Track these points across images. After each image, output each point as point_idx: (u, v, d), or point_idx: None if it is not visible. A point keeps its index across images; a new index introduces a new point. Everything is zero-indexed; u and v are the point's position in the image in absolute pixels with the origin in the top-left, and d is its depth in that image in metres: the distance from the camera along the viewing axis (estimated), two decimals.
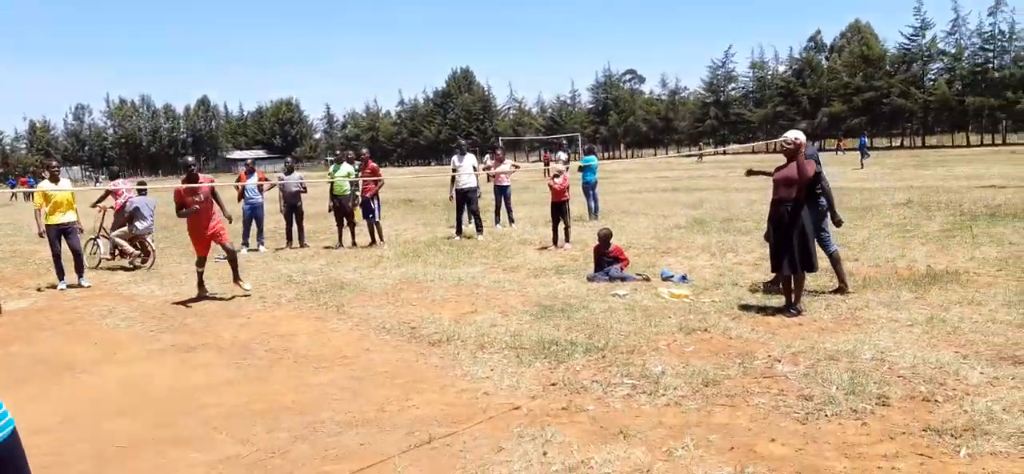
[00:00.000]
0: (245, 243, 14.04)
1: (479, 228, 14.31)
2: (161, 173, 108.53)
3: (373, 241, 13.96)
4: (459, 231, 14.44)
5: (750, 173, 8.99)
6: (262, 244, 14.24)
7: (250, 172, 14.42)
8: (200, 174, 9.95)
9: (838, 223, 8.08)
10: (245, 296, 9.41)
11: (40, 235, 10.83)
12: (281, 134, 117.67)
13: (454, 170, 14.43)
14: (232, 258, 9.64)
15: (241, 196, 14.35)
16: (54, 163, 11.23)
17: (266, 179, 14.86)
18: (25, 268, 13.47)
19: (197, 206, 9.28)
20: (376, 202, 14.02)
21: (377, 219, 13.97)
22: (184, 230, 17.54)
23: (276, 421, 4.96)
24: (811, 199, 7.49)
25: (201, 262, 9.60)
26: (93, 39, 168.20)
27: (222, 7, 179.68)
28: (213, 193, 9.76)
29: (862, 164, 33.15)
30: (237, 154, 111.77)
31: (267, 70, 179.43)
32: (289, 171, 14.86)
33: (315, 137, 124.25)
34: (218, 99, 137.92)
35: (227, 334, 7.51)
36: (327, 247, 14.01)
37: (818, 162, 7.72)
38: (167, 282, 10.89)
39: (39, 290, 10.82)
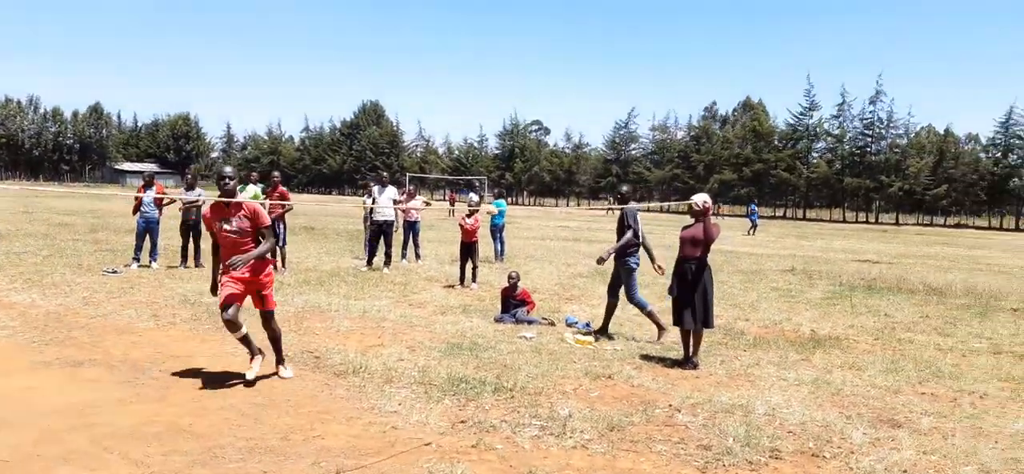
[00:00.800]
0: (136, 258, 13.42)
1: (388, 262, 14.24)
2: (42, 178, 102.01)
3: (273, 267, 13.60)
4: (370, 262, 14.34)
5: (601, 261, 8.90)
6: (155, 260, 13.62)
7: (148, 185, 13.83)
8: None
9: (659, 271, 8.75)
10: (136, 312, 8.98)
11: None
12: (176, 149, 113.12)
13: (373, 201, 14.41)
14: (274, 338, 6.64)
15: (137, 209, 13.72)
16: None
17: (165, 193, 14.27)
18: None
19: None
20: (282, 227, 13.72)
21: (282, 245, 13.65)
22: (68, 238, 16.58)
23: (173, 444, 4.76)
24: (623, 254, 8.49)
25: (225, 308, 6.18)
26: None
27: (123, 12, 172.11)
28: (257, 221, 6.28)
29: (752, 232, 34.61)
30: (127, 166, 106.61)
31: (166, 83, 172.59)
32: (190, 186, 14.33)
33: (212, 155, 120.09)
34: (112, 107, 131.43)
35: (117, 351, 7.14)
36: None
37: (635, 220, 8.49)
38: (50, 292, 10.25)
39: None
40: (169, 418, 5.26)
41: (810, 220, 71.07)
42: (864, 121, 74.66)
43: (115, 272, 12.50)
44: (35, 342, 7.37)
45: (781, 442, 5.18)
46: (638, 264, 8.70)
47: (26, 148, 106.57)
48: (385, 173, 15.43)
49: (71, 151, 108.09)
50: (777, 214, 79.58)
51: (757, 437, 5.23)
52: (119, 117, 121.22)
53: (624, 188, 9.19)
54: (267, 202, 13.66)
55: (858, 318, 10.84)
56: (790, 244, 29.30)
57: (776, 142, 79.45)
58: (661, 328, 8.52)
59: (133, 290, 10.75)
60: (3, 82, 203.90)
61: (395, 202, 14.86)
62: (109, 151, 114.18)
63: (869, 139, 74.77)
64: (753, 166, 77.05)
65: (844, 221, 71.17)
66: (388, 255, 14.36)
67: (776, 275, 16.42)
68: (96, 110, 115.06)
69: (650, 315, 8.64)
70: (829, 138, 77.03)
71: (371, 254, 14.48)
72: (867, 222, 70.41)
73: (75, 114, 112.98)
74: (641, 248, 8.71)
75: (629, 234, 8.47)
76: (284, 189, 14.11)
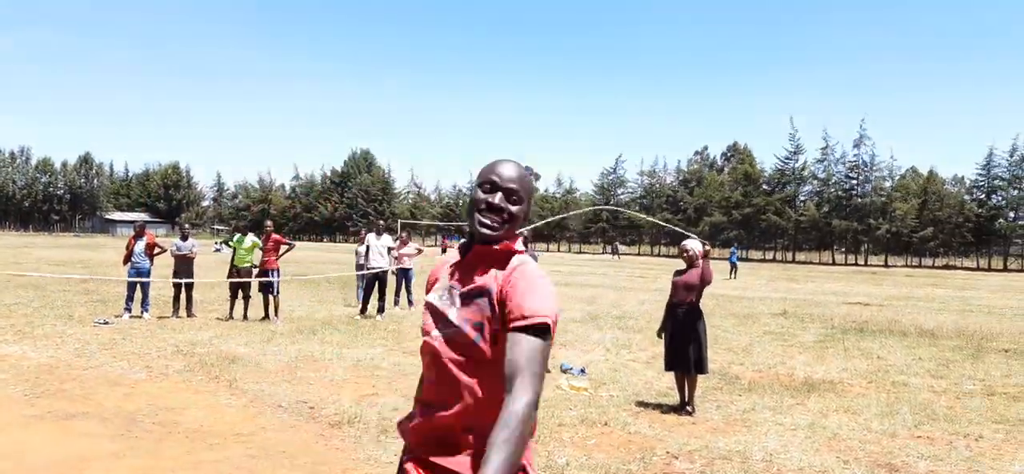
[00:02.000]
0: (128, 309, 13.35)
1: (382, 309, 14.28)
2: (32, 228, 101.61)
3: (266, 316, 13.60)
4: (364, 310, 14.38)
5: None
6: (146, 311, 13.55)
7: (139, 235, 13.82)
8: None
9: None
10: (128, 363, 8.92)
11: None
12: (166, 198, 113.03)
13: (367, 249, 14.52)
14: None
15: (127, 259, 13.70)
16: None
17: (156, 244, 14.25)
18: None
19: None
20: (276, 275, 13.74)
21: (275, 293, 13.64)
22: (59, 289, 16.64)
23: None
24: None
25: None
26: None
27: (112, 64, 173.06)
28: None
29: (733, 275, 34.16)
30: (118, 215, 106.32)
31: (156, 132, 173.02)
32: (184, 237, 14.35)
33: (203, 204, 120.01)
34: (102, 157, 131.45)
35: (110, 403, 7.08)
36: (218, 319, 13.49)
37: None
38: (41, 343, 10.18)
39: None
40: (164, 471, 5.21)
41: (800, 263, 71.38)
42: (848, 164, 75.53)
43: (107, 322, 12.42)
44: (27, 395, 7.30)
45: None
46: None
47: (17, 199, 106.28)
48: (381, 221, 15.53)
49: (61, 201, 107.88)
50: (767, 257, 79.92)
51: None
52: (110, 167, 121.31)
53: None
54: (289, 242, 14.03)
55: (851, 361, 10.87)
56: (781, 287, 29.40)
57: (764, 186, 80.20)
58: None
59: (125, 341, 10.68)
60: None
61: (389, 250, 14.96)
62: (99, 201, 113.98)
63: (854, 182, 75.56)
64: (743, 209, 77.64)
65: (833, 263, 71.50)
66: (381, 304, 14.37)
67: (768, 318, 16.46)
68: (86, 160, 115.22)
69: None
70: (815, 181, 77.80)
71: (366, 302, 14.50)
72: (856, 264, 70.76)
73: (65, 164, 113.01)
74: None
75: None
76: (277, 236, 14.14)
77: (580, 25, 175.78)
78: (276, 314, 13.50)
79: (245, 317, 13.48)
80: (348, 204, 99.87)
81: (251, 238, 14.22)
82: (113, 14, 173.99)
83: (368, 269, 14.51)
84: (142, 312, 13.48)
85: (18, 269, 25.25)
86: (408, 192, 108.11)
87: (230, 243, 14.46)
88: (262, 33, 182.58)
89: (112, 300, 15.60)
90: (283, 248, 14.17)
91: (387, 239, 14.94)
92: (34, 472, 5.11)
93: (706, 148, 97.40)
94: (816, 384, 8.99)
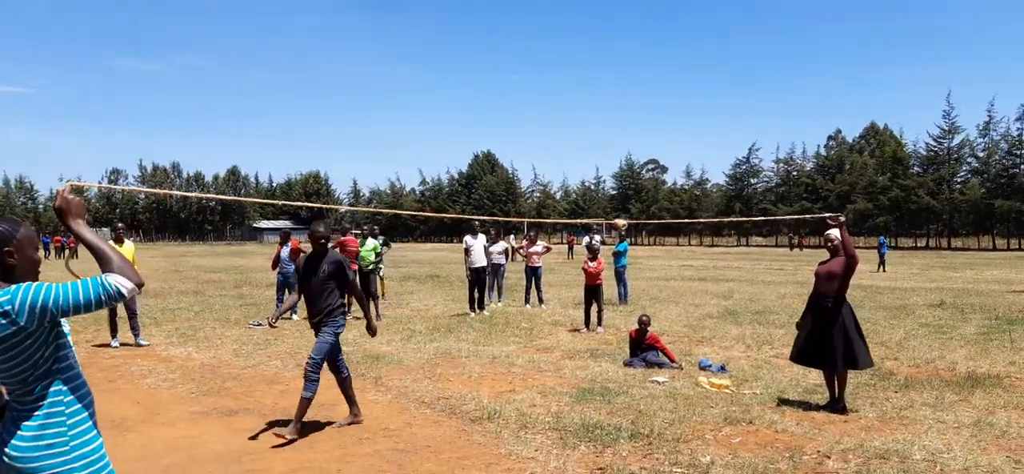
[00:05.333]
0: None
1: (482, 305, 15.04)
2: (188, 238, 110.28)
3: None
4: (472, 308, 14.94)
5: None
6: (295, 313, 14.37)
7: (285, 241, 14.68)
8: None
9: None
10: (282, 362, 9.49)
11: None
12: (307, 208, 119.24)
13: (466, 251, 15.13)
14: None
15: (275, 264, 14.59)
16: (120, 225, 11.73)
17: (300, 249, 15.05)
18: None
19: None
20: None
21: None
22: (216, 294, 17.73)
23: None
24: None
25: None
26: (125, 105, 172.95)
27: (254, 84, 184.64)
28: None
29: (881, 268, 31.01)
30: (264, 223, 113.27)
31: (296, 145, 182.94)
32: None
33: (341, 211, 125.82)
34: (248, 169, 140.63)
35: (268, 400, 7.56)
36: (356, 318, 14.11)
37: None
38: (203, 345, 11.00)
39: (77, 344, 10.93)
40: (319, 464, 5.50)
41: (956, 249, 66.31)
42: (1010, 140, 69.17)
43: (260, 324, 13.26)
44: (194, 393, 7.91)
45: None
46: None
47: (174, 211, 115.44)
48: (477, 223, 15.83)
49: (214, 212, 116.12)
50: (919, 245, 74.71)
51: None
52: (256, 178, 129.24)
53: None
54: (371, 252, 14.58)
55: (1020, 354, 9.98)
56: (936, 276, 27.42)
57: (915, 167, 74.76)
58: None
59: (278, 341, 11.36)
60: (150, 152, 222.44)
61: (514, 249, 15.31)
62: (247, 211, 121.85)
63: (1018, 159, 69.18)
64: (890, 194, 72.72)
65: (994, 249, 65.93)
66: (481, 299, 15.00)
67: (924, 310, 15.40)
68: (234, 173, 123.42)
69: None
70: (975, 159, 71.75)
71: (471, 300, 15.02)
72: (1020, 249, 64.97)
73: (215, 177, 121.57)
74: None
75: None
76: (342, 239, 14.77)
77: (706, 9, 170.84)
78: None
79: (378, 317, 14.07)
80: (475, 205, 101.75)
81: (371, 241, 14.79)
82: (254, 40, 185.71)
83: (469, 269, 14.95)
84: (291, 314, 14.29)
85: (179, 277, 27.37)
86: (533, 191, 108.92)
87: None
88: (382, 45, 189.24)
89: (264, 303, 16.63)
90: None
91: (482, 239, 15.37)
92: (201, 464, 5.52)
93: (839, 131, 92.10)
94: (981, 379, 8.32)
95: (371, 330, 6.78)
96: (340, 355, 6.56)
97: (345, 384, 6.65)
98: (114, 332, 11.08)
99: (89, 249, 2.49)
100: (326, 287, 6.39)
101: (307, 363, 6.26)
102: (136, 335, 11.13)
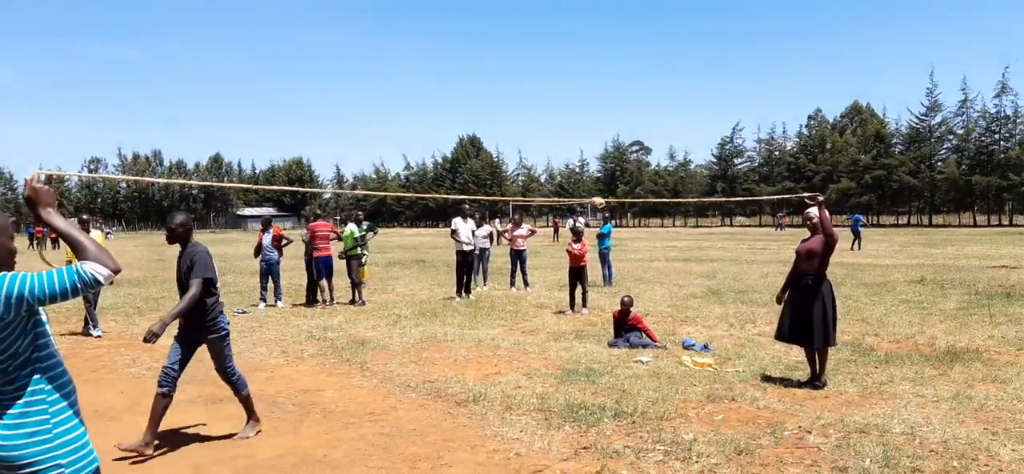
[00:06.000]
0: (263, 299, 14.18)
1: (468, 290, 15.05)
2: None
3: (322, 301, 14.43)
4: (459, 292, 14.95)
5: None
6: (279, 299, 14.33)
7: (266, 229, 14.61)
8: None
9: None
10: (267, 349, 9.48)
11: None
12: (292, 193, 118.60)
13: (453, 234, 15.15)
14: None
15: (258, 252, 14.52)
16: (85, 217, 11.61)
17: (282, 235, 15.00)
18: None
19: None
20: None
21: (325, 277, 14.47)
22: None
23: None
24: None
25: None
26: (102, 93, 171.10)
27: (230, 69, 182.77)
28: None
29: (856, 245, 29.83)
30: (248, 211, 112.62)
31: (278, 131, 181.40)
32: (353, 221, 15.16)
33: (325, 197, 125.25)
34: (231, 157, 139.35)
35: (253, 387, 7.48)
36: (340, 303, 14.10)
37: None
38: None
39: (61, 336, 10.88)
40: (305, 449, 5.51)
41: (937, 226, 66.98)
42: (988, 117, 69.74)
43: (244, 312, 13.22)
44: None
45: (923, 462, 4.92)
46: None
47: (156, 200, 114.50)
48: (466, 206, 15.81)
49: (196, 200, 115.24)
50: (900, 222, 75.41)
51: (896, 457, 4.98)
52: (239, 165, 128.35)
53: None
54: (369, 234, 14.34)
55: (998, 328, 10.14)
56: (917, 252, 27.72)
57: (897, 146, 75.26)
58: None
59: (262, 328, 11.34)
60: (130, 141, 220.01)
61: (499, 233, 15.28)
62: (231, 198, 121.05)
63: (996, 136, 69.81)
64: (873, 172, 73.24)
65: (975, 225, 66.68)
66: (467, 283, 15.03)
67: (904, 286, 15.58)
68: (217, 160, 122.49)
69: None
70: (954, 136, 72.29)
71: (458, 283, 15.01)
72: (1000, 224, 65.73)
73: (198, 165, 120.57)
74: None
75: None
76: (324, 223, 14.83)
77: None
78: (331, 300, 14.36)
79: (354, 301, 14.19)
80: (460, 189, 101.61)
81: (350, 227, 14.74)
82: (230, 30, 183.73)
83: (458, 252, 15.00)
84: (276, 301, 14.26)
85: (162, 266, 27.21)
86: (518, 174, 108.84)
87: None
88: (363, 29, 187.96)
89: (248, 291, 16.57)
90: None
91: (471, 223, 15.38)
92: (188, 451, 5.54)
93: (819, 110, 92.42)
94: (960, 353, 8.45)
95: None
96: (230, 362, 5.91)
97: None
98: (94, 324, 11.00)
99: (63, 238, 2.49)
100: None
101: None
102: (93, 326, 11.04)
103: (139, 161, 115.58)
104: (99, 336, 10.86)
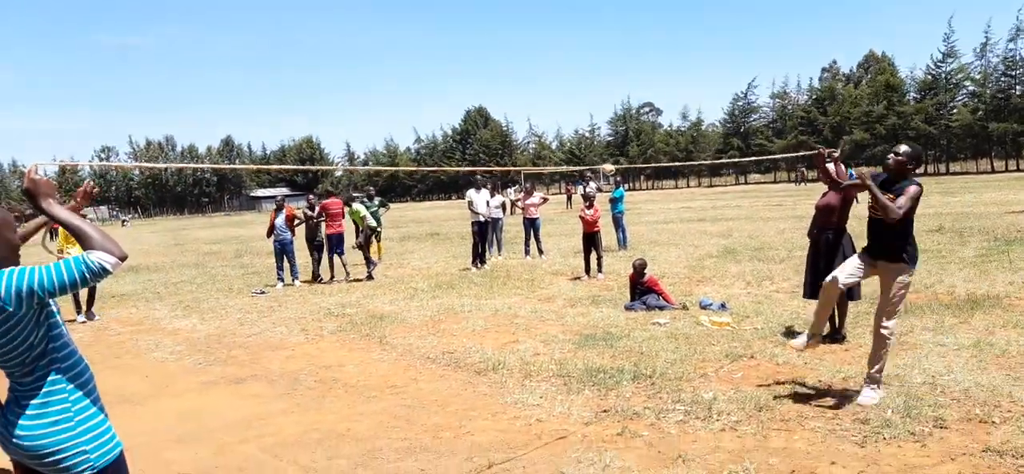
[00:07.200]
0: (280, 278, 14.30)
1: (483, 259, 15.06)
2: (187, 212, 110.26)
3: (331, 278, 14.60)
4: (475, 262, 14.97)
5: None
6: (296, 278, 14.42)
7: (279, 209, 14.67)
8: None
9: None
10: (287, 328, 9.56)
11: None
12: (303, 172, 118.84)
13: (469, 204, 15.15)
14: None
15: (271, 233, 14.60)
16: (83, 214, 11.72)
17: (295, 215, 15.06)
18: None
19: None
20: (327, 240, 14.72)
21: (343, 255, 14.62)
22: (217, 265, 17.77)
23: (335, 449, 5.05)
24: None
25: None
26: (115, 84, 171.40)
27: (238, 52, 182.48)
28: None
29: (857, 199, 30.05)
30: (261, 192, 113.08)
31: (287, 111, 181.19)
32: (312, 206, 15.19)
33: (337, 174, 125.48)
34: (241, 139, 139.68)
35: (275, 365, 7.63)
36: (357, 279, 14.17)
37: None
38: (208, 316, 11.06)
39: (70, 321, 11.01)
40: (328, 424, 5.57)
41: (954, 174, 66.28)
42: (1006, 61, 68.48)
43: (263, 292, 13.33)
44: (201, 363, 7.98)
45: (945, 410, 4.90)
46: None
47: (170, 185, 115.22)
48: (479, 177, 15.79)
49: (210, 184, 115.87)
50: (917, 171, 74.58)
51: (918, 407, 4.97)
52: (249, 147, 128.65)
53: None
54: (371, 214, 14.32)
55: (1018, 274, 10.05)
56: (935, 201, 27.47)
57: (912, 95, 74.17)
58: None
59: (281, 308, 11.43)
60: (143, 128, 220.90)
61: (512, 202, 15.27)
62: (243, 180, 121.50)
63: (1013, 80, 68.62)
64: (887, 122, 72.37)
65: (992, 171, 65.88)
66: (483, 253, 15.04)
67: (923, 236, 15.43)
68: (228, 143, 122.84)
69: None
70: (971, 82, 71.09)
71: (475, 253, 15.05)
72: (1018, 169, 64.90)
73: (209, 149, 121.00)
74: None
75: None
76: (325, 203, 14.88)
77: None
78: (335, 278, 14.48)
79: (370, 277, 14.23)
80: (471, 161, 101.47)
81: (357, 206, 14.79)
82: (236, 13, 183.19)
83: (475, 217, 14.99)
84: (293, 280, 14.35)
85: (180, 250, 27.42)
86: (528, 142, 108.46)
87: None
88: (369, 5, 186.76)
89: (265, 272, 16.69)
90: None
91: (485, 194, 15.39)
92: (213, 432, 5.60)
93: (835, 62, 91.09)
94: (980, 301, 8.39)
95: None
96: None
97: None
98: (79, 308, 11.32)
99: (67, 229, 2.48)
100: None
101: None
102: (86, 309, 11.33)
103: (151, 148, 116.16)
104: (83, 323, 11.04)
